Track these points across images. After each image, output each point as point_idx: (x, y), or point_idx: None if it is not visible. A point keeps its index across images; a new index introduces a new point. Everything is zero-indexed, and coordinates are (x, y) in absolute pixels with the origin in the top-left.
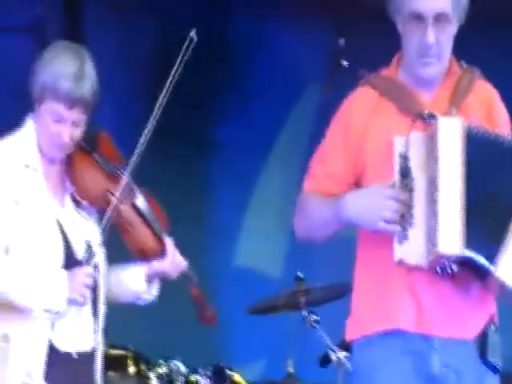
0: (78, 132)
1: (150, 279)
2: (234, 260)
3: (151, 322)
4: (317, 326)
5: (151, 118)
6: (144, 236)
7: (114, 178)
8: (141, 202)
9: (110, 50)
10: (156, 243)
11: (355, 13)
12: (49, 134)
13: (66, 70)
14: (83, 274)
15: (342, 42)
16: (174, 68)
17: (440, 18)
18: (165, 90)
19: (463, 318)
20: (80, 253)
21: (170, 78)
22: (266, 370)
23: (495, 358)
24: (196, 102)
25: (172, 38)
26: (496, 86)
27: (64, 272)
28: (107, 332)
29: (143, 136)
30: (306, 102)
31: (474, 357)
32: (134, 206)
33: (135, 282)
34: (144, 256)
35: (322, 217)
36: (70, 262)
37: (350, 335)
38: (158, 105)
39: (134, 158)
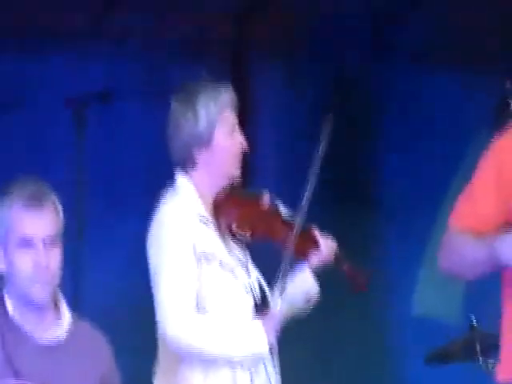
0: None
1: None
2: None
3: None
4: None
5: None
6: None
7: (258, 201)
8: (281, 207)
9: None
10: (310, 239)
11: None
12: (229, 152)
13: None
14: (273, 320)
15: (509, 84)
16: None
17: None
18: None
19: None
20: (256, 294)
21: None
22: None
23: None
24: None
25: (335, 81)
26: None
27: (258, 321)
28: None
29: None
30: (474, 150)
31: None
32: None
33: (305, 284)
34: (305, 256)
35: (474, 257)
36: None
37: (501, 375)
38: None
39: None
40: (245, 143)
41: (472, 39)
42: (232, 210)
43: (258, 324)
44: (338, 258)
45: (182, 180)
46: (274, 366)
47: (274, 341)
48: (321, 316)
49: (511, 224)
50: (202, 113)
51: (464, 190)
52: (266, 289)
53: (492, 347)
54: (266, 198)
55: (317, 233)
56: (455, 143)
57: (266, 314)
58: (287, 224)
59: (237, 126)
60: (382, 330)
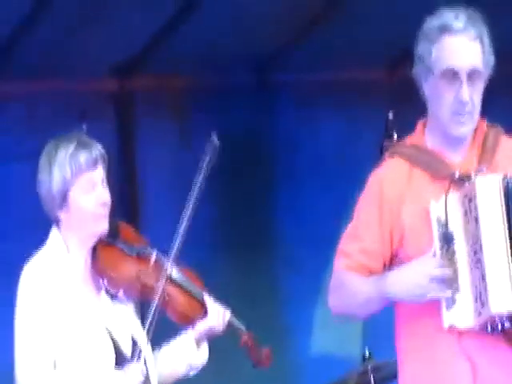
0: None
1: (198, 342)
2: (311, 349)
3: None
4: None
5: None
6: (184, 302)
7: (142, 259)
8: (173, 271)
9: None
10: (196, 304)
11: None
12: (86, 211)
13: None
14: (134, 372)
15: (391, 115)
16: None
17: (473, 75)
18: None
19: None
20: (127, 350)
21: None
22: None
23: None
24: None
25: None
26: None
27: (117, 373)
28: None
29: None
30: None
31: None
32: (167, 278)
33: (186, 351)
34: (189, 321)
35: (363, 296)
36: (119, 361)
37: None
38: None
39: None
40: (108, 199)
41: None
42: (106, 265)
43: (118, 376)
44: (235, 328)
45: (53, 237)
46: None
47: None
48: (213, 365)
49: (400, 257)
50: (56, 173)
51: (347, 228)
52: (140, 344)
53: (388, 377)
54: (151, 255)
55: (208, 299)
56: (344, 181)
57: (129, 367)
58: (171, 284)
59: (100, 184)
60: (283, 372)
